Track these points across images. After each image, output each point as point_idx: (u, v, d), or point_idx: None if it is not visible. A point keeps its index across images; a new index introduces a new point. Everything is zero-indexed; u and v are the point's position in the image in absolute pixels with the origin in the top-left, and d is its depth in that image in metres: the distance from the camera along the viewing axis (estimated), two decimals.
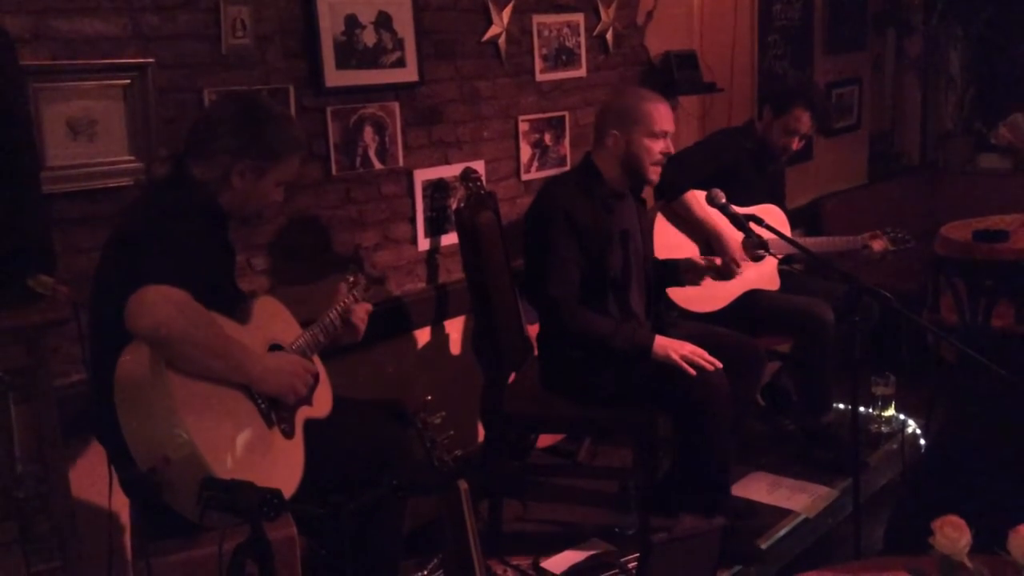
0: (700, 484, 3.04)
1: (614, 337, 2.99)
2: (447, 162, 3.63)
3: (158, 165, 2.34)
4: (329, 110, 3.23)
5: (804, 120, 3.83)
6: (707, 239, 3.72)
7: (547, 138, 4.01)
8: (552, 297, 3.01)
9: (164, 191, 2.30)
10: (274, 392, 2.25)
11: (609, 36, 4.19)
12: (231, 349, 2.16)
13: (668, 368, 2.95)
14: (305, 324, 2.52)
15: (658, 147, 3.06)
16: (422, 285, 3.64)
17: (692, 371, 2.92)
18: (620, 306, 3.11)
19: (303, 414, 2.37)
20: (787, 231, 3.78)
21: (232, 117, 2.31)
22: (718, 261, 3.28)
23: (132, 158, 2.71)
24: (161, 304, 2.01)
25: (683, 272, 3.27)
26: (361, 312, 2.61)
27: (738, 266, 3.40)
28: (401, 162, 3.48)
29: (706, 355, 2.95)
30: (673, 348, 2.96)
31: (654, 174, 3.11)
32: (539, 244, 3.06)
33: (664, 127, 3.06)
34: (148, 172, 2.35)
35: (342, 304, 2.59)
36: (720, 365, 2.95)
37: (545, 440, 3.95)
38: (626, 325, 3.05)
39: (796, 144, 3.91)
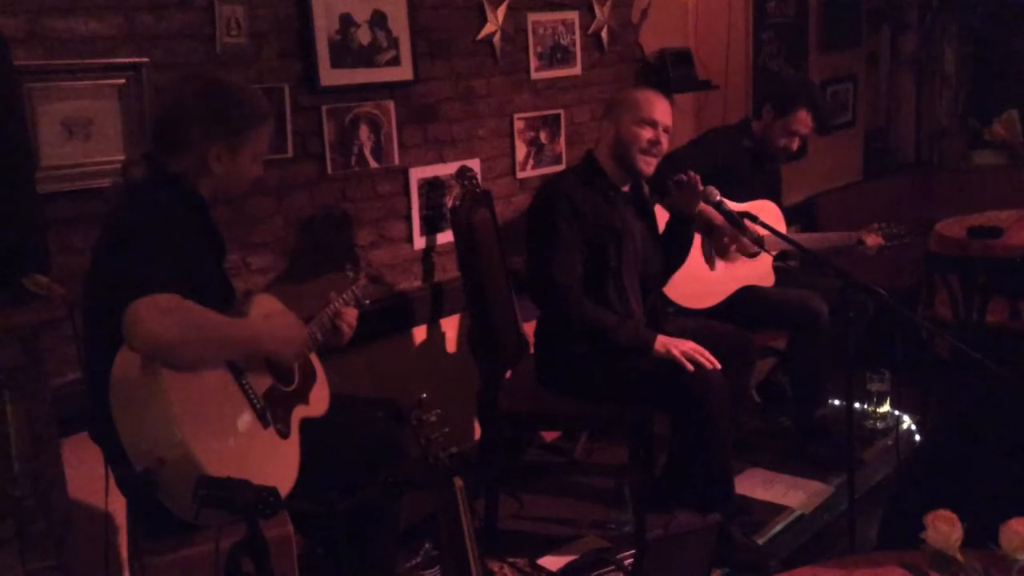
0: (696, 481, 3.04)
1: (617, 330, 2.99)
2: (442, 160, 3.63)
3: (134, 167, 2.32)
4: (324, 109, 3.23)
5: (807, 122, 3.84)
6: (706, 234, 3.72)
7: (542, 136, 4.01)
8: (557, 283, 2.99)
9: (144, 190, 2.27)
10: (281, 349, 2.29)
11: (604, 34, 4.19)
12: (231, 332, 2.18)
13: (666, 365, 2.95)
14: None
15: (646, 134, 3.04)
16: (418, 283, 3.64)
17: (691, 367, 2.93)
18: (619, 297, 3.11)
19: (299, 413, 2.37)
20: (782, 227, 3.79)
21: (194, 103, 2.26)
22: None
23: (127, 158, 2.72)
24: (153, 317, 2.00)
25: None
26: (350, 317, 2.58)
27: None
28: (396, 161, 3.48)
29: (707, 354, 2.96)
30: (674, 344, 2.97)
31: (644, 163, 3.07)
32: (543, 232, 3.04)
33: (653, 115, 3.04)
34: (124, 174, 2.33)
35: (337, 303, 2.59)
36: (719, 366, 2.96)
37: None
38: (630, 320, 3.06)
39: (796, 144, 3.92)
